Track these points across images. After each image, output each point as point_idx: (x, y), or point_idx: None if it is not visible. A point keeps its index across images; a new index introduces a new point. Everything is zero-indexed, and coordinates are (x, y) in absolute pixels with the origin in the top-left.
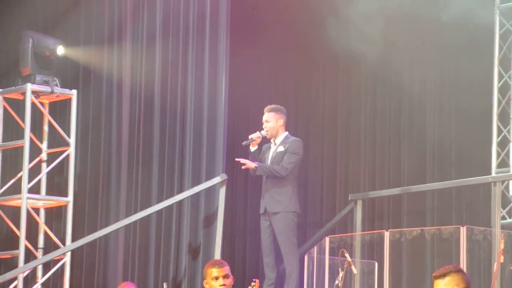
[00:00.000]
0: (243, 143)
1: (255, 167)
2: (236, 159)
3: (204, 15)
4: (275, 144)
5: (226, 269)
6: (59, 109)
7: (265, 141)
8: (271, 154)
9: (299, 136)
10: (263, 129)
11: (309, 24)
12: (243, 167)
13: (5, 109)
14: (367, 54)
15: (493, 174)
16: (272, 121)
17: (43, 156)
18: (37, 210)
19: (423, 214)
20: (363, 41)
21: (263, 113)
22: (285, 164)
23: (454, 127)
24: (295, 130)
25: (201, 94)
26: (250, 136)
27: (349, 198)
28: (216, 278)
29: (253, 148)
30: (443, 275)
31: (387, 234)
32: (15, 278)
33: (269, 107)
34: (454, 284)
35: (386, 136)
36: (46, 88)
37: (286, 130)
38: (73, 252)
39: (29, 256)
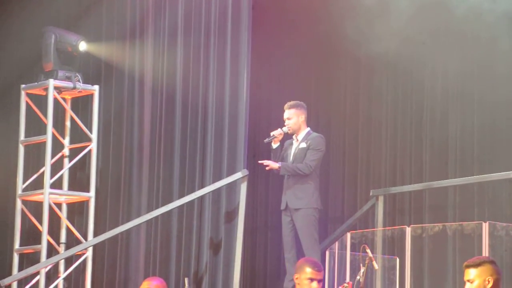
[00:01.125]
0: (265, 141)
1: (279, 167)
2: (259, 162)
3: (226, 11)
4: (297, 140)
5: (322, 274)
6: (81, 104)
7: (287, 137)
8: (293, 150)
9: (321, 132)
10: (284, 126)
11: (331, 20)
12: (267, 168)
13: (27, 105)
14: (388, 48)
15: None
16: (293, 117)
17: (65, 151)
18: (59, 205)
19: (445, 210)
20: (384, 36)
21: (283, 110)
22: (308, 161)
23: (477, 122)
24: (317, 126)
25: (222, 90)
26: (271, 133)
27: (371, 194)
28: (311, 280)
29: (275, 145)
30: (477, 265)
31: (408, 230)
32: (37, 273)
33: (289, 103)
34: (488, 274)
35: (407, 131)
36: (69, 84)
37: (307, 126)
38: (95, 247)
39: (51, 251)
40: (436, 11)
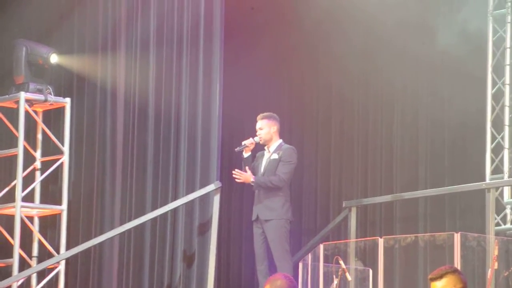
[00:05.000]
0: (236, 149)
1: (252, 181)
2: (234, 172)
3: (198, 23)
4: (269, 151)
5: None
6: (53, 117)
7: (259, 148)
8: (264, 161)
9: (293, 143)
10: (256, 136)
11: (303, 31)
12: (238, 180)
13: None
14: (359, 61)
15: (487, 181)
16: (265, 128)
17: (37, 164)
18: (31, 219)
19: (416, 221)
20: (356, 48)
21: (257, 121)
22: (281, 175)
23: (448, 134)
24: (290, 137)
25: (195, 102)
26: (243, 142)
27: (343, 205)
28: None
29: (246, 154)
30: (440, 277)
31: (381, 241)
32: (9, 287)
33: (262, 114)
34: (452, 285)
35: (378, 143)
36: (40, 97)
37: (280, 138)
38: (68, 260)
39: (23, 265)
40: (411, 25)
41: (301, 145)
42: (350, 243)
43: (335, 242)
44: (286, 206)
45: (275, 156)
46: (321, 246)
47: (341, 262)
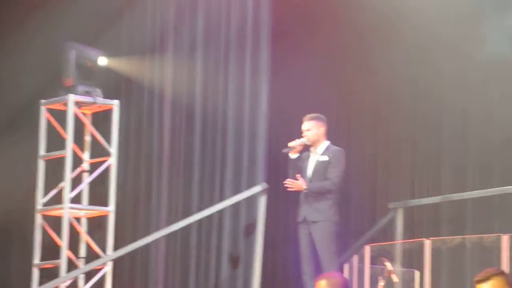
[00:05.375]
0: (283, 151)
1: (305, 189)
2: (286, 181)
3: (245, 24)
4: (316, 153)
5: None
6: (101, 119)
7: (305, 149)
8: (313, 163)
9: (340, 145)
10: (302, 137)
11: (353, 32)
12: (290, 189)
13: (47, 120)
14: (410, 62)
15: None
16: (313, 129)
17: (85, 166)
18: (78, 220)
19: (463, 222)
20: (407, 49)
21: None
22: (334, 179)
23: (497, 134)
24: (337, 139)
25: (242, 103)
26: (289, 144)
27: (390, 207)
28: None
29: (293, 156)
30: (486, 279)
31: (427, 243)
32: None
33: (309, 115)
34: (499, 287)
35: (426, 143)
36: (88, 99)
37: (327, 139)
38: (115, 261)
39: (71, 266)
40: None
41: (348, 146)
42: (396, 245)
43: (381, 243)
44: (334, 208)
45: (324, 158)
46: (367, 248)
47: (387, 263)
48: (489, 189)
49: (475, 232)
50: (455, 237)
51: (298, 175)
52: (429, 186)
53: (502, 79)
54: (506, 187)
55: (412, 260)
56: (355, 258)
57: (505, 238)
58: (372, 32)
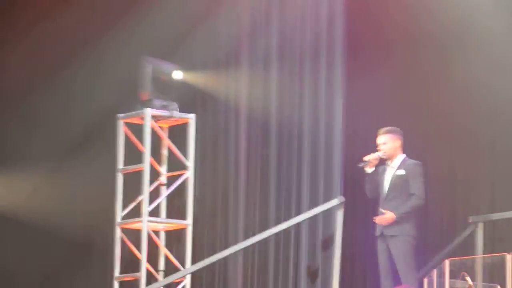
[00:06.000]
0: (358, 165)
1: (396, 219)
2: (374, 219)
3: (320, 38)
4: (392, 167)
5: None
6: (178, 133)
7: (380, 163)
8: (389, 177)
9: (416, 157)
10: (378, 151)
11: (429, 45)
12: (381, 223)
13: (125, 134)
14: (485, 72)
15: None
16: (388, 142)
17: (163, 179)
18: (157, 233)
19: None
20: (483, 59)
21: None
22: (418, 193)
23: None
24: (412, 152)
25: (317, 117)
26: (365, 158)
27: (470, 221)
28: None
29: (369, 170)
30: None
31: (509, 257)
32: None
33: (384, 129)
34: None
35: (507, 155)
36: (165, 113)
37: (403, 153)
38: (193, 274)
39: (150, 279)
40: None
41: (425, 159)
42: (477, 259)
43: (461, 258)
44: (412, 222)
45: (401, 172)
46: (447, 262)
47: (468, 278)
48: None
49: None
50: None
51: (382, 209)
52: (510, 199)
53: None
54: None
55: (493, 274)
56: (434, 273)
57: None
58: (448, 42)
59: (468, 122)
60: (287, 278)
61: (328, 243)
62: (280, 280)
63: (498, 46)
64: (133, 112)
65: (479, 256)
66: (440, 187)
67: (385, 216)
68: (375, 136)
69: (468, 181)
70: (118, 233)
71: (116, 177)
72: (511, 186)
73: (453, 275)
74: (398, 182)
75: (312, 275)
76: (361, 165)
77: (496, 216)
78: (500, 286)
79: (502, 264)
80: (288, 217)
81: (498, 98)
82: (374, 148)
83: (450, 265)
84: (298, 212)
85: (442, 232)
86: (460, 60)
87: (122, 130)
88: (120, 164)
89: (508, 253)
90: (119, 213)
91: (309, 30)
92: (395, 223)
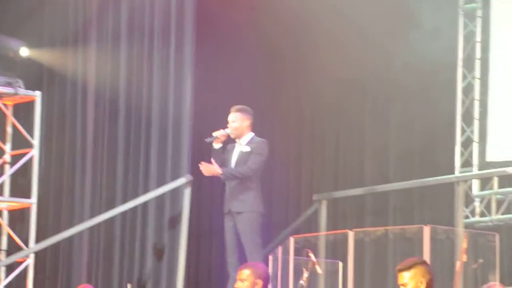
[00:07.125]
0: (206, 140)
1: (220, 173)
2: (200, 164)
3: (169, 16)
4: (240, 144)
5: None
6: (23, 111)
7: (230, 141)
8: (236, 153)
9: (265, 137)
10: (227, 128)
11: (276, 26)
12: (206, 173)
13: None
14: (328, 56)
15: (457, 174)
16: (237, 121)
17: (7, 158)
18: (0, 212)
19: (386, 214)
20: (328, 45)
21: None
22: (251, 165)
23: (418, 127)
24: (261, 131)
25: (166, 96)
26: (213, 134)
27: (314, 198)
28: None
29: (216, 146)
30: (408, 267)
31: (351, 234)
32: None
33: (235, 107)
34: (420, 276)
35: (349, 136)
36: (10, 90)
37: (252, 131)
38: (37, 254)
39: None
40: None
41: (273, 139)
42: (320, 236)
43: (305, 235)
44: (258, 199)
45: (247, 148)
46: (291, 239)
47: (311, 255)
48: (410, 181)
49: (398, 224)
50: (378, 228)
51: (212, 160)
52: (352, 178)
53: (420, 71)
54: (426, 179)
55: (336, 251)
56: (279, 250)
57: (426, 229)
58: (297, 28)
59: (315, 110)
60: (133, 257)
61: (175, 221)
62: (126, 259)
63: (345, 43)
64: None
65: (323, 233)
66: (286, 167)
67: (210, 167)
68: (226, 116)
69: (313, 160)
70: None
71: None
72: (353, 166)
73: (297, 252)
74: (243, 158)
75: (159, 253)
76: (208, 140)
77: (339, 194)
78: (342, 262)
79: (344, 241)
80: (135, 197)
81: (343, 81)
82: (223, 126)
83: (295, 242)
84: (146, 191)
85: (287, 209)
86: (309, 48)
87: None
88: None
89: (350, 230)
90: None
91: (158, 8)
92: (241, 199)
